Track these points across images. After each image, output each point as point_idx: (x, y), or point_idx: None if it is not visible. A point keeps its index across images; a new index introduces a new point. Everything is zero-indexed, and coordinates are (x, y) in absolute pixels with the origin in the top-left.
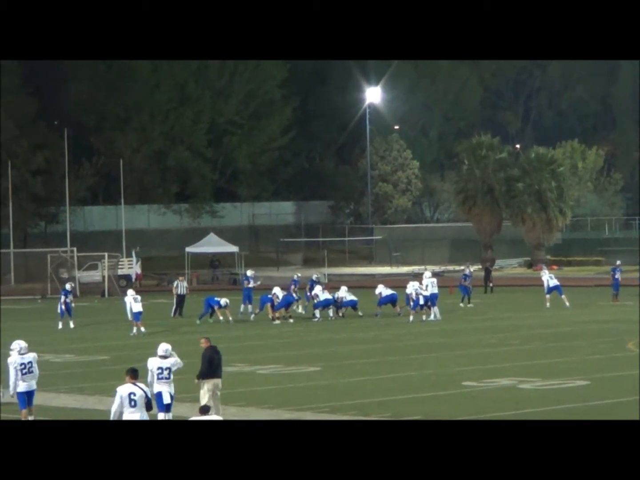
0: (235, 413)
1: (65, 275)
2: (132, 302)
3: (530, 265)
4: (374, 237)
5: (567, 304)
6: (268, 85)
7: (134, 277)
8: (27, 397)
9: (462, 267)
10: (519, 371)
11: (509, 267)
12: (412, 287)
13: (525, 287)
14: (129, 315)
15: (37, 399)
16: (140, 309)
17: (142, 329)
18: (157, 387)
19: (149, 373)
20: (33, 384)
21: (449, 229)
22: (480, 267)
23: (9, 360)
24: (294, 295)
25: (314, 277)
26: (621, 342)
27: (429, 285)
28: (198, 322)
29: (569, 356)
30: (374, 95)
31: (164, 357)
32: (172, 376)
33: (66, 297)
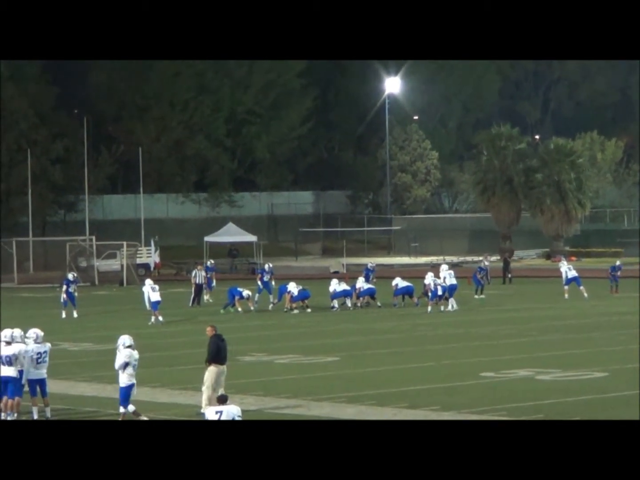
0: (253, 402)
1: (84, 264)
2: (150, 291)
3: (548, 256)
4: (392, 228)
5: (586, 295)
6: (287, 75)
7: (152, 266)
8: (38, 386)
9: (481, 258)
10: (537, 362)
11: (527, 258)
12: (430, 278)
13: (543, 278)
14: (147, 305)
15: (56, 387)
16: (159, 298)
17: (160, 318)
18: (129, 379)
19: (122, 360)
20: (44, 373)
21: (467, 219)
22: (499, 257)
23: (26, 348)
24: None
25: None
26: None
27: (446, 277)
28: (222, 311)
29: (587, 347)
30: (393, 85)
31: (129, 347)
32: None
33: (68, 286)
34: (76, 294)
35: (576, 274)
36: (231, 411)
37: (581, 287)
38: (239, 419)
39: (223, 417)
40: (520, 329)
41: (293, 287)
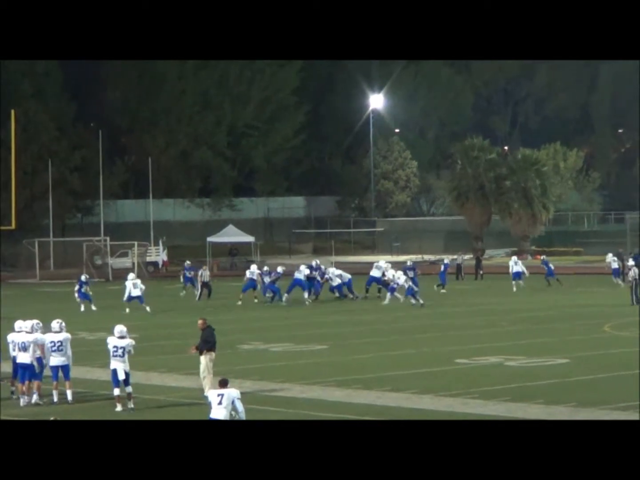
0: (250, 386)
1: (99, 262)
2: (132, 287)
3: (516, 255)
4: (376, 229)
5: (515, 289)
6: (282, 92)
7: (160, 263)
8: (60, 371)
9: (455, 256)
10: (506, 350)
11: (497, 257)
12: (403, 279)
13: None
14: (125, 297)
15: (75, 372)
16: (139, 293)
17: (148, 308)
18: (113, 364)
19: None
20: (64, 360)
21: (443, 222)
22: (471, 256)
23: (45, 336)
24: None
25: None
26: (598, 324)
27: (400, 278)
28: (283, 302)
29: (550, 337)
30: (377, 101)
31: (121, 337)
32: (126, 355)
33: (81, 287)
34: (90, 292)
35: (520, 270)
36: (231, 394)
37: (513, 282)
38: (239, 400)
39: (224, 399)
40: (491, 320)
41: (332, 274)
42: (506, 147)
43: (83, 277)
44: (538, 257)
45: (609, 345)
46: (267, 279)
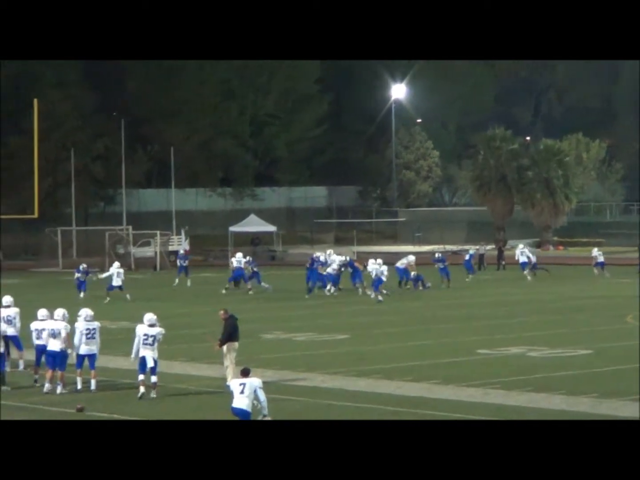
0: (272, 375)
1: (121, 251)
2: (115, 276)
3: (538, 245)
4: (398, 219)
5: (529, 278)
6: (304, 83)
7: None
8: (88, 360)
9: (477, 247)
10: (528, 340)
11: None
12: (372, 267)
13: None
14: (107, 286)
15: (97, 361)
16: (120, 284)
17: (108, 298)
18: (142, 351)
19: (137, 338)
20: (94, 349)
21: (465, 212)
22: (494, 247)
23: (76, 325)
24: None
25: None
26: (620, 315)
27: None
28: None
29: (573, 327)
30: (399, 91)
31: (152, 325)
32: (156, 344)
33: (79, 274)
34: (85, 281)
35: (525, 260)
36: (253, 383)
37: (525, 272)
38: (261, 390)
39: (246, 389)
40: (513, 311)
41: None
42: (528, 138)
43: (81, 267)
44: (560, 247)
45: (632, 336)
46: (254, 268)
